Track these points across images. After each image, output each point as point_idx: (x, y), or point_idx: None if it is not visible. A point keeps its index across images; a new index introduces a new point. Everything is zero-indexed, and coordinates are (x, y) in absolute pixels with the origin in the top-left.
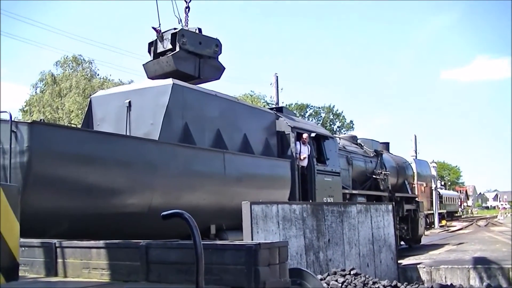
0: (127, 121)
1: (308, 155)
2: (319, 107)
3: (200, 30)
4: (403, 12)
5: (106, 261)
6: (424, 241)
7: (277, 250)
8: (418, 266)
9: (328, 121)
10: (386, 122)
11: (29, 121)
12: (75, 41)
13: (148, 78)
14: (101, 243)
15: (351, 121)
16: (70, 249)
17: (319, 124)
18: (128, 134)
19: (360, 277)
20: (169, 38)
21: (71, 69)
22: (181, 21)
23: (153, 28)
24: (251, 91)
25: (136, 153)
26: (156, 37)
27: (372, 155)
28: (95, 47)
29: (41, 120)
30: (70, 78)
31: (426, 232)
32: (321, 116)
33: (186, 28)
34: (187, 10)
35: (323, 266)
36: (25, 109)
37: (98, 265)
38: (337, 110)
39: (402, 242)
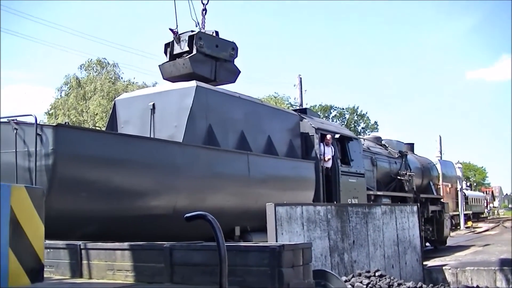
0: (151, 123)
1: (332, 156)
2: (343, 108)
3: (217, 33)
4: (429, 13)
5: (131, 262)
6: (449, 242)
7: (301, 252)
8: (443, 267)
9: (352, 122)
10: (411, 123)
11: (54, 124)
12: (99, 44)
13: (164, 79)
14: (125, 244)
15: (376, 122)
16: (95, 250)
17: (343, 126)
18: (152, 136)
19: (385, 278)
20: (186, 40)
21: (95, 72)
22: (198, 23)
23: (170, 29)
24: (275, 92)
25: (160, 155)
26: (172, 39)
27: (396, 156)
28: (119, 50)
29: (66, 123)
30: (94, 81)
31: (452, 234)
32: (345, 117)
33: (203, 30)
34: (204, 12)
35: (348, 267)
36: (50, 112)
37: (123, 267)
38: (361, 111)
39: (427, 244)
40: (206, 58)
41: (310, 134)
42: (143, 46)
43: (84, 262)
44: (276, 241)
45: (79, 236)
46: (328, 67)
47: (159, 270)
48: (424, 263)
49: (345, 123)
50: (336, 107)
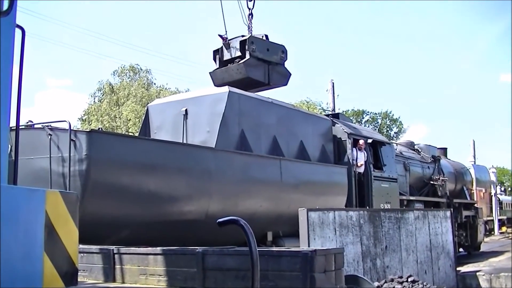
0: (184, 129)
1: (365, 161)
2: (375, 113)
3: (267, 36)
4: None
5: (163, 267)
6: (483, 248)
7: (333, 257)
8: (477, 273)
9: (385, 127)
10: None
11: (87, 130)
12: (132, 51)
13: (215, 85)
14: (158, 249)
15: (408, 127)
16: (128, 255)
17: (376, 130)
18: (185, 142)
19: (418, 284)
20: (237, 45)
21: (128, 78)
22: (249, 28)
23: (219, 35)
24: (307, 97)
25: (193, 161)
26: (222, 45)
27: (429, 161)
28: (152, 56)
29: (99, 128)
30: (127, 87)
31: (486, 239)
32: (377, 122)
33: (248, 35)
34: (250, 17)
35: (380, 273)
36: (83, 118)
37: (155, 271)
38: (394, 115)
39: (461, 249)
40: (259, 62)
41: (342, 139)
42: (175, 52)
43: (117, 266)
44: (309, 246)
45: (113, 241)
46: (362, 72)
47: (191, 275)
48: (458, 269)
49: (378, 128)
50: (368, 112)
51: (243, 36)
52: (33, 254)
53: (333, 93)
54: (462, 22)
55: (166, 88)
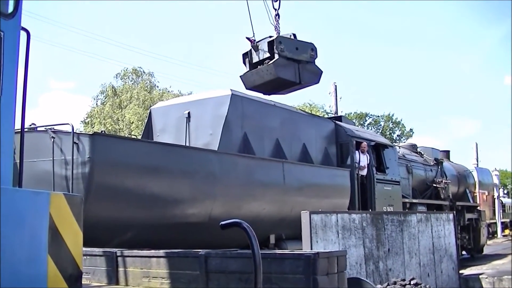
0: (187, 131)
1: (368, 164)
2: (378, 116)
3: (294, 35)
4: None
5: (166, 270)
6: (486, 250)
7: (336, 260)
8: (480, 276)
9: (388, 129)
10: (447, 130)
11: (90, 133)
12: (135, 53)
13: (247, 89)
14: (161, 252)
15: (411, 129)
16: (131, 258)
17: (378, 133)
18: (187, 144)
19: (421, 287)
20: (265, 47)
21: (131, 81)
22: (277, 27)
23: (247, 38)
24: (310, 100)
25: (196, 163)
26: (250, 47)
27: (432, 163)
28: (154, 59)
29: (102, 131)
30: (130, 90)
31: (489, 242)
32: (380, 125)
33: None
34: (277, 17)
35: (383, 275)
36: (86, 121)
37: (158, 274)
38: (397, 118)
39: (463, 252)
40: (289, 62)
41: (345, 142)
42: (178, 54)
43: (120, 269)
44: (311, 249)
45: (116, 244)
46: (364, 75)
47: (194, 277)
48: (461, 271)
49: (381, 131)
50: (371, 115)
51: (270, 37)
52: (37, 257)
53: (336, 96)
54: (466, 24)
55: (168, 91)
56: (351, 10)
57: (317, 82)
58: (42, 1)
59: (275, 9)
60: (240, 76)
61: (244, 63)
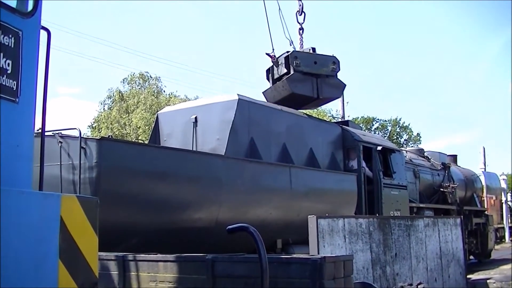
0: (194, 136)
1: (375, 169)
2: (385, 120)
3: (314, 49)
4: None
5: (173, 274)
6: (494, 255)
7: (342, 264)
8: (488, 281)
9: (395, 134)
10: (454, 134)
11: (97, 138)
12: (142, 58)
13: None
14: (167, 256)
15: (418, 134)
16: (138, 262)
17: (385, 138)
18: (194, 149)
19: None
20: (283, 62)
21: (138, 86)
22: (292, 42)
23: (267, 54)
24: None
25: (203, 168)
26: (272, 63)
27: (439, 168)
28: (161, 64)
29: (109, 136)
30: (137, 95)
31: (497, 247)
32: (387, 129)
33: (300, 49)
34: (301, 31)
35: (390, 280)
36: (93, 125)
37: (165, 278)
38: (404, 123)
39: (471, 257)
40: (305, 77)
41: (352, 147)
42: (185, 59)
43: (127, 273)
44: (318, 254)
45: (122, 248)
46: (371, 79)
47: (201, 282)
48: (468, 276)
49: (388, 135)
50: (378, 119)
51: (287, 52)
52: (45, 263)
53: (343, 100)
54: (472, 30)
55: (175, 96)
56: (357, 17)
57: (339, 96)
58: (47, 6)
59: (300, 23)
60: (263, 93)
61: (268, 79)
